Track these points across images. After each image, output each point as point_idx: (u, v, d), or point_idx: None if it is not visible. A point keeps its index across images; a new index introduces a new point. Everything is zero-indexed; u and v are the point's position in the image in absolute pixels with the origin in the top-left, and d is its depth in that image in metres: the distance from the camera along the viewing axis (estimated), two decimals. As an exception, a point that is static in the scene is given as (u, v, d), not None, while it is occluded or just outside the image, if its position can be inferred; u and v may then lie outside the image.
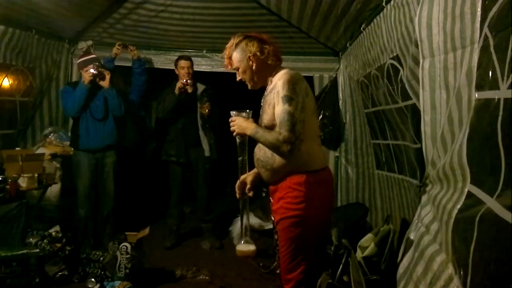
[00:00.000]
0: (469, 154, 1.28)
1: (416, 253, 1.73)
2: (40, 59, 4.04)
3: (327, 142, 4.45)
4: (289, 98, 1.97)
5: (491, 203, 1.10)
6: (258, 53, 2.13)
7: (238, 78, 2.25)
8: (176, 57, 4.26)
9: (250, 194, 2.28)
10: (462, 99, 1.40)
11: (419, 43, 1.87)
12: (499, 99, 1.08)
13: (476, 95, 1.24)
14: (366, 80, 3.53)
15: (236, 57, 2.19)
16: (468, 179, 1.28)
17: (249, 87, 2.26)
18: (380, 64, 2.97)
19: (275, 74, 2.16)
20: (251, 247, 2.24)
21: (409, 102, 2.51)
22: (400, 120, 2.90)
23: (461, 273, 1.24)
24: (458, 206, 1.34)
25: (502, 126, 1.05)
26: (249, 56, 2.14)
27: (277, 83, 2.05)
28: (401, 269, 1.88)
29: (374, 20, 2.94)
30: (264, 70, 2.18)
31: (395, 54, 2.55)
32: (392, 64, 2.69)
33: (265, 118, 2.10)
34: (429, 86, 1.79)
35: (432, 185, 1.77)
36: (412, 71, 2.30)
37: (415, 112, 2.45)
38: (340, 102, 4.48)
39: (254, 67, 2.16)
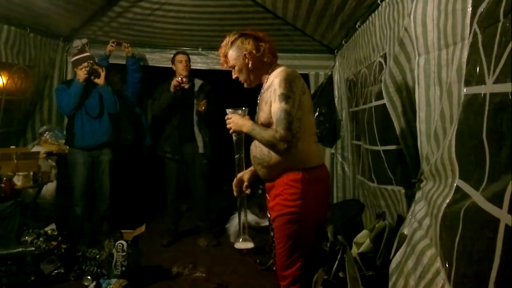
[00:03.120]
0: (457, 149, 1.30)
1: (408, 248, 1.75)
2: (39, 58, 4.04)
3: (323, 139, 4.46)
4: (286, 96, 1.97)
5: (477, 196, 1.12)
6: (254, 51, 2.13)
7: (234, 76, 2.24)
8: (171, 55, 4.26)
9: (248, 191, 2.28)
10: (453, 95, 1.42)
11: (414, 40, 1.88)
12: (485, 94, 1.09)
13: (465, 91, 1.25)
14: (355, 78, 3.55)
15: (232, 55, 2.17)
16: (457, 174, 1.30)
17: (245, 85, 2.25)
18: (370, 62, 2.99)
19: (271, 72, 2.15)
20: (250, 245, 2.24)
21: (380, 102, 2.54)
22: (367, 120, 2.95)
23: (447, 266, 1.26)
24: (447, 201, 1.36)
25: (488, 120, 1.07)
26: (245, 54, 2.13)
27: (274, 81, 2.04)
28: (393, 264, 1.90)
29: (369, 17, 2.96)
30: (260, 68, 2.17)
31: (384, 52, 2.57)
32: (380, 62, 2.70)
33: (262, 116, 2.10)
34: (424, 83, 1.81)
35: (426, 181, 1.78)
36: (390, 70, 2.32)
37: (383, 113, 2.50)
38: (336, 99, 4.49)
39: (250, 65, 2.15)
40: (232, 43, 2.17)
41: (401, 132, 2.32)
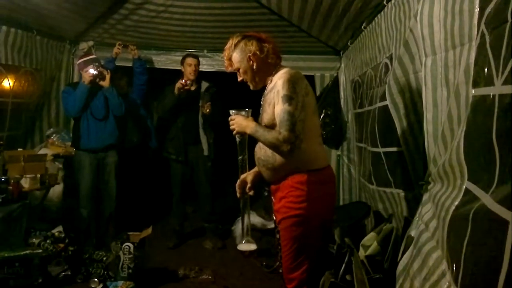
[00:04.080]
0: (466, 151, 1.28)
1: (415, 250, 1.74)
2: (46, 60, 4.07)
3: (329, 141, 4.45)
4: (289, 98, 1.96)
5: (486, 199, 1.10)
6: (258, 52, 2.12)
7: (239, 79, 2.24)
8: (177, 57, 4.27)
9: (251, 193, 2.28)
10: (461, 96, 1.41)
11: (421, 41, 1.87)
12: (494, 95, 1.08)
13: (473, 92, 1.24)
14: (360, 80, 3.54)
15: (236, 57, 2.17)
16: (466, 176, 1.28)
17: (251, 87, 2.25)
18: (375, 64, 2.98)
19: (275, 73, 2.15)
20: (252, 246, 2.23)
21: (384, 104, 2.52)
22: (371, 122, 2.94)
23: (454, 269, 1.25)
24: (456, 203, 1.34)
25: (497, 122, 1.05)
26: (249, 56, 2.13)
27: (277, 82, 2.04)
28: (400, 266, 1.89)
29: (375, 18, 2.94)
30: (265, 69, 2.17)
31: (391, 53, 2.55)
32: (386, 64, 2.69)
33: (265, 117, 2.10)
34: (431, 84, 1.79)
35: (434, 183, 1.76)
36: (394, 71, 2.30)
37: (386, 115, 2.48)
38: (342, 101, 4.48)
39: (254, 67, 2.15)
40: (236, 45, 2.17)
41: (402, 134, 2.31)
